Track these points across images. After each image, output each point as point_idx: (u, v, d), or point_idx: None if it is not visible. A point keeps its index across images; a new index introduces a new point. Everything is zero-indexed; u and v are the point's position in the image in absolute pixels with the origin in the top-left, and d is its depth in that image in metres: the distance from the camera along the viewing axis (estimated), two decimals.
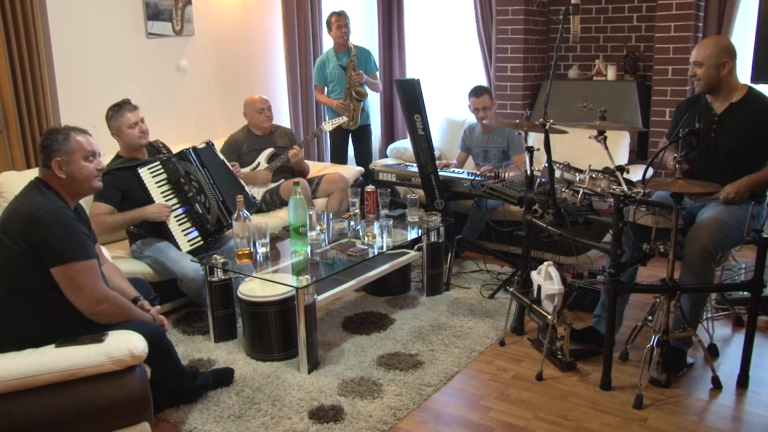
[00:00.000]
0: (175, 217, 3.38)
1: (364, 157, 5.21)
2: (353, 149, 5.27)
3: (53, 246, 2.19)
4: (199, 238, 3.40)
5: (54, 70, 3.76)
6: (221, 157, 3.82)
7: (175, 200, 3.40)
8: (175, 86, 4.53)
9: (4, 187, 3.27)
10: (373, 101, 5.48)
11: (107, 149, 3.50)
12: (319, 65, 5.08)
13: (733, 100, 2.93)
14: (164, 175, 3.40)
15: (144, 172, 3.34)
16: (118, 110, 3.37)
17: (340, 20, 4.89)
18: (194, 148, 3.62)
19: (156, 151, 3.59)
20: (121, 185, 3.30)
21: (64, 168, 2.32)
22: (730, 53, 2.89)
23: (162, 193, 3.37)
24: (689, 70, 2.99)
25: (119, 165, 3.36)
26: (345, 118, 4.76)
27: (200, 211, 3.42)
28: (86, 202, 2.58)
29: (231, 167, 3.89)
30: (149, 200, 3.32)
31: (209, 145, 3.77)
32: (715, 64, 2.87)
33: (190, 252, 3.33)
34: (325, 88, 5.10)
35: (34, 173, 2.43)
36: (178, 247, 3.34)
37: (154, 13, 4.28)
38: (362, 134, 5.18)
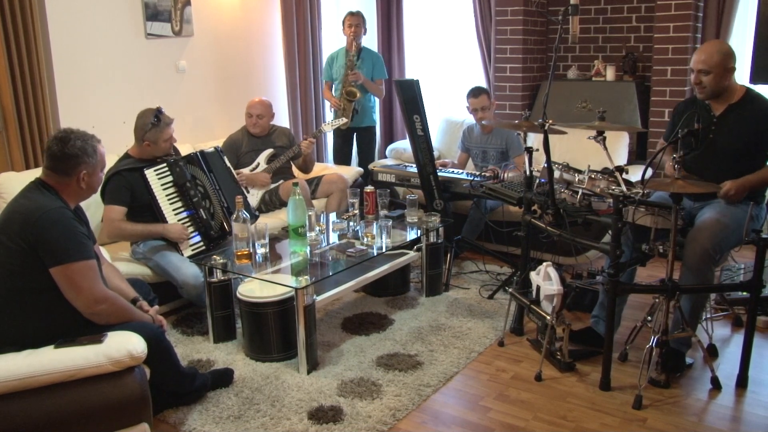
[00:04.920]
0: (179, 221, 3.37)
1: (366, 157, 5.21)
2: (356, 149, 5.28)
3: (52, 246, 2.19)
4: (201, 244, 3.40)
5: (53, 70, 3.76)
6: (227, 163, 3.81)
7: (179, 204, 3.40)
8: (174, 87, 4.53)
9: (4, 187, 3.27)
10: (376, 103, 5.47)
11: (108, 149, 3.49)
12: (328, 62, 5.11)
13: (732, 102, 2.93)
14: (170, 178, 3.39)
15: (150, 174, 3.33)
16: (158, 123, 3.30)
17: (351, 20, 4.92)
18: (202, 152, 3.61)
19: None
20: (130, 185, 3.30)
21: (86, 179, 2.34)
22: (733, 58, 2.87)
23: (167, 195, 3.37)
24: (693, 78, 2.92)
25: (129, 165, 3.35)
26: (345, 120, 4.76)
27: (204, 217, 3.42)
28: (85, 203, 2.57)
29: (236, 175, 3.88)
30: (154, 202, 3.32)
31: (218, 151, 3.76)
32: (723, 71, 2.84)
33: (191, 257, 3.32)
34: (333, 85, 5.11)
35: (33, 174, 2.43)
36: (179, 251, 3.33)
37: (153, 14, 4.28)
38: (365, 135, 5.19)
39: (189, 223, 3.40)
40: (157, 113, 3.32)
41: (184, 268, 3.25)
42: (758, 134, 2.87)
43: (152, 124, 3.31)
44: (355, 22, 4.91)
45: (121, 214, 3.28)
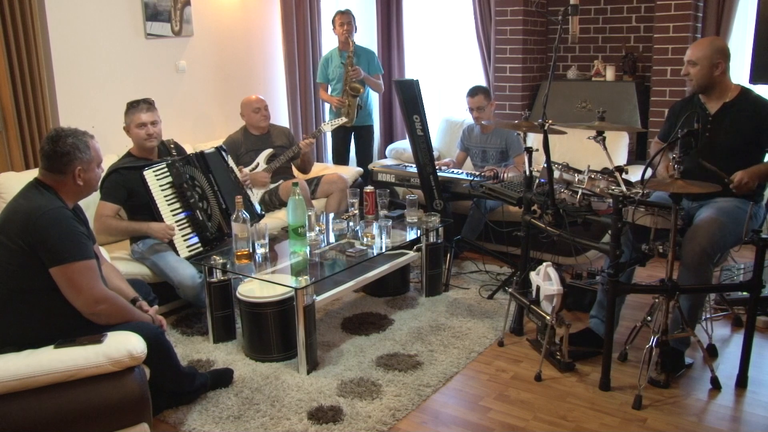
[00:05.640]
0: (177, 222, 3.37)
1: (364, 157, 5.21)
2: (354, 149, 5.28)
3: (52, 246, 2.19)
4: (199, 245, 3.39)
5: (53, 71, 3.76)
6: (230, 163, 3.78)
7: (177, 205, 3.40)
8: (173, 87, 4.53)
9: (3, 188, 3.27)
10: (373, 101, 5.47)
11: (108, 149, 3.51)
12: (323, 63, 5.11)
13: (727, 100, 2.94)
14: (169, 179, 3.39)
15: (149, 175, 3.33)
16: (134, 107, 3.38)
17: (342, 18, 4.92)
18: (201, 153, 3.61)
19: (167, 151, 3.58)
20: (127, 184, 3.31)
21: (82, 175, 2.34)
22: (724, 54, 2.90)
23: (165, 197, 3.36)
24: (683, 69, 3.00)
25: (127, 164, 3.36)
26: (345, 119, 4.77)
27: (201, 218, 3.42)
28: (85, 203, 2.57)
29: (239, 172, 3.87)
30: (152, 203, 3.32)
31: (219, 150, 3.74)
32: (709, 64, 2.89)
33: (188, 258, 3.32)
34: (329, 87, 5.11)
35: (33, 174, 2.43)
36: (176, 252, 3.33)
37: (153, 14, 4.28)
38: (364, 134, 5.19)
39: (186, 224, 3.40)
40: (139, 99, 3.40)
41: (181, 268, 3.26)
42: (755, 132, 2.88)
43: (128, 106, 3.39)
44: (346, 20, 4.92)
45: (112, 211, 3.29)
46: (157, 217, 3.33)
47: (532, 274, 3.01)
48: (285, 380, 2.82)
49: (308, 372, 2.88)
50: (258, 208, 3.84)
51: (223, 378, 2.79)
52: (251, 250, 3.18)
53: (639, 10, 5.12)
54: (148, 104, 3.41)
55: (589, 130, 2.79)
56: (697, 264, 2.71)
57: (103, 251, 2.83)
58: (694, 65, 2.92)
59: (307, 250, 3.24)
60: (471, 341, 3.17)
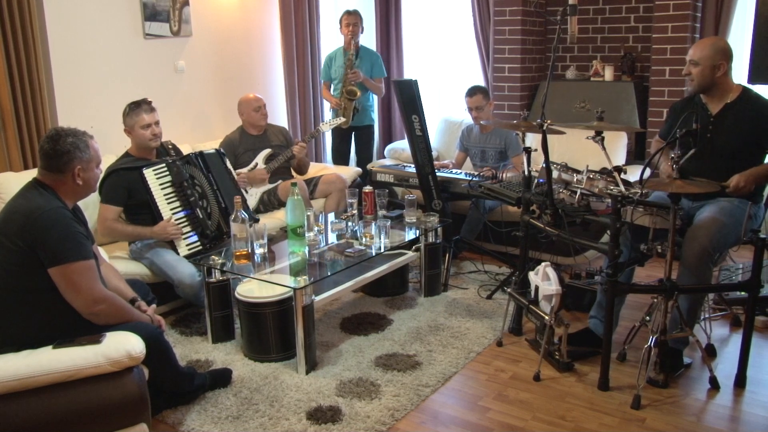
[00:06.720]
0: (176, 220, 3.37)
1: (364, 157, 5.21)
2: (355, 149, 5.28)
3: (51, 246, 2.19)
4: (198, 243, 3.40)
5: (51, 71, 3.76)
6: (228, 165, 3.80)
7: (176, 203, 3.40)
8: (172, 87, 4.53)
9: (2, 188, 3.27)
10: (374, 102, 5.47)
11: (107, 149, 3.50)
12: (326, 62, 5.11)
13: (728, 101, 2.94)
14: (168, 178, 3.39)
15: (149, 174, 3.33)
16: (135, 108, 3.38)
17: (348, 19, 4.92)
18: (201, 153, 3.62)
19: (165, 152, 3.58)
20: (127, 184, 3.32)
21: (82, 175, 2.33)
22: (726, 55, 2.89)
23: (165, 195, 3.37)
24: (684, 69, 3.00)
25: (126, 164, 3.36)
26: (343, 119, 4.76)
27: (201, 216, 3.42)
28: (84, 203, 2.57)
29: (236, 175, 3.88)
30: (152, 202, 3.32)
31: (218, 152, 3.76)
32: (710, 65, 2.88)
33: (187, 256, 3.32)
34: (332, 85, 5.11)
35: (31, 174, 2.43)
36: (176, 251, 3.33)
37: (151, 14, 4.28)
38: (364, 134, 5.19)
39: (186, 223, 3.40)
40: (138, 100, 3.39)
41: (180, 267, 3.26)
42: (756, 133, 2.87)
43: (129, 108, 3.38)
44: (352, 21, 4.92)
45: (115, 213, 3.30)
46: (156, 215, 3.33)
47: (531, 274, 3.01)
48: (284, 380, 2.82)
49: (307, 372, 2.88)
50: (252, 209, 3.84)
51: (221, 378, 2.79)
52: (250, 250, 3.18)
53: (637, 10, 5.12)
54: (148, 105, 3.42)
55: (587, 130, 2.79)
56: (697, 264, 2.71)
57: (101, 251, 2.83)
58: (695, 65, 2.91)
59: (306, 250, 3.24)
60: (470, 341, 3.17)
